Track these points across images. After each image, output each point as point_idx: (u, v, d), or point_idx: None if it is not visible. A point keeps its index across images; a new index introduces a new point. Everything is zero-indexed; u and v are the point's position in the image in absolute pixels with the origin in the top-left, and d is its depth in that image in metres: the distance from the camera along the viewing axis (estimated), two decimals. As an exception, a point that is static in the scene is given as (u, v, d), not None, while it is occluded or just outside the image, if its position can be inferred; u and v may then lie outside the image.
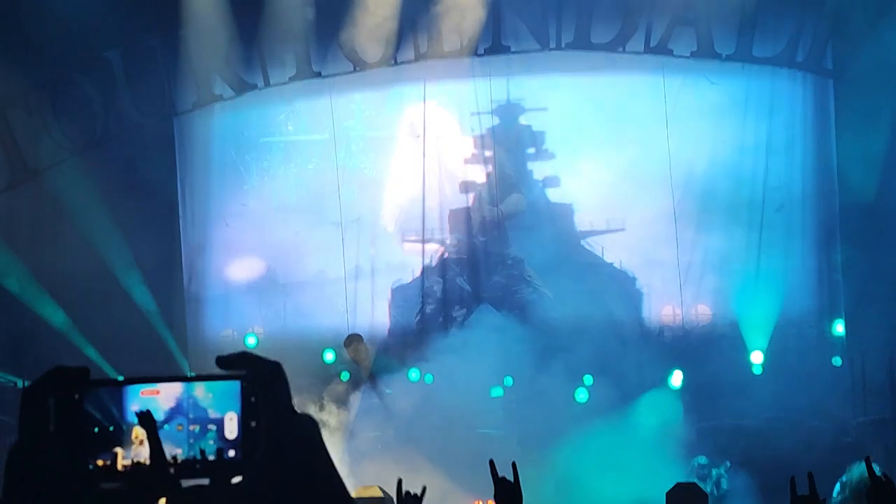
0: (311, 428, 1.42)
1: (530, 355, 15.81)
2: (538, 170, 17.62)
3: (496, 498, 4.71)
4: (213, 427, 1.43)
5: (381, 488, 11.59)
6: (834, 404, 16.06)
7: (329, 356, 16.31)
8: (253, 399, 1.43)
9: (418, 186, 17.53)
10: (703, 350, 16.48)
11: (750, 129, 17.16)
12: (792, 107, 17.24)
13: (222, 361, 1.42)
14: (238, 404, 1.43)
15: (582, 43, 16.91)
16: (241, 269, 17.56)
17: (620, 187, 17.25)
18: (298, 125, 18.02)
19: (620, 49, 16.88)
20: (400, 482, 5.19)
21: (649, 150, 17.14)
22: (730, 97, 17.22)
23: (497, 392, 16.39)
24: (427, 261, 17.71)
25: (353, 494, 11.74)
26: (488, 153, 17.59)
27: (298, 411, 1.43)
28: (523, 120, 17.61)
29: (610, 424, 14.95)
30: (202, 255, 17.68)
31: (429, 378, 16.59)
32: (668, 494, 11.37)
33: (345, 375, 15.74)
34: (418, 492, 5.20)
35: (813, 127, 17.15)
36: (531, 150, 17.62)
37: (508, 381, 16.36)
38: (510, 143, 17.56)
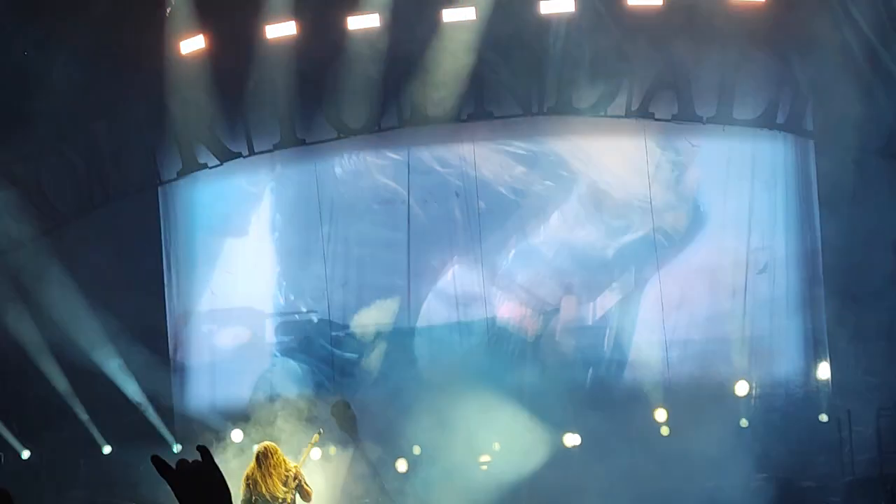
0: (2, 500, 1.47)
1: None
2: (524, 231, 17.64)
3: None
4: None
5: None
6: (821, 463, 16.10)
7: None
8: None
9: (403, 251, 17.57)
10: (691, 410, 16.47)
11: (732, 190, 17.28)
12: (773, 167, 17.36)
13: None
14: None
15: (564, 108, 17.01)
16: (227, 338, 17.57)
17: (604, 251, 17.31)
18: (283, 191, 18.07)
19: (602, 113, 16.98)
20: None
21: (633, 212, 17.22)
22: (711, 159, 17.34)
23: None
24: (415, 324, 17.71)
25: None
26: (474, 214, 17.62)
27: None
28: (507, 186, 17.64)
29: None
30: (188, 324, 17.68)
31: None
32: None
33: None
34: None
35: (795, 187, 17.26)
36: (513, 211, 17.66)
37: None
38: (496, 207, 17.60)
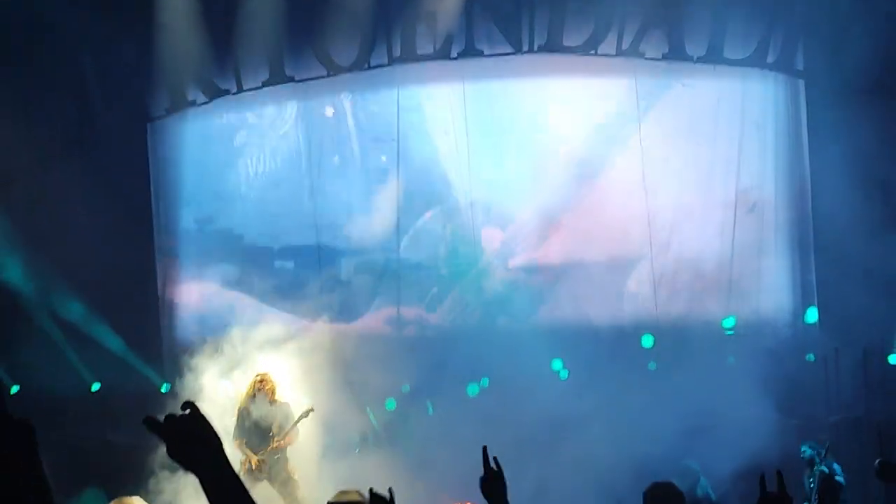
0: (25, 434, 1.44)
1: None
2: (511, 172, 17.61)
3: (482, 484, 4.76)
4: None
5: (359, 493, 11.59)
6: (808, 402, 16.17)
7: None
8: None
9: (392, 191, 17.54)
10: (678, 348, 16.54)
11: (722, 130, 17.26)
12: (764, 108, 17.33)
13: None
14: None
15: (554, 46, 16.96)
16: (215, 275, 17.53)
17: (594, 189, 17.30)
18: (271, 129, 18.01)
19: (592, 52, 16.94)
20: (371, 490, 5.23)
21: (622, 152, 17.21)
22: (702, 99, 17.32)
23: (474, 391, 16.50)
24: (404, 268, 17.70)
25: (332, 499, 11.75)
26: (462, 156, 17.58)
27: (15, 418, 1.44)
28: (497, 123, 17.61)
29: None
30: (176, 262, 17.65)
31: (405, 388, 16.65)
32: (645, 493, 11.43)
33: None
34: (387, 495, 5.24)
35: (785, 127, 17.25)
36: (503, 153, 17.62)
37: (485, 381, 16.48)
38: (484, 145, 17.56)
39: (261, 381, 13.94)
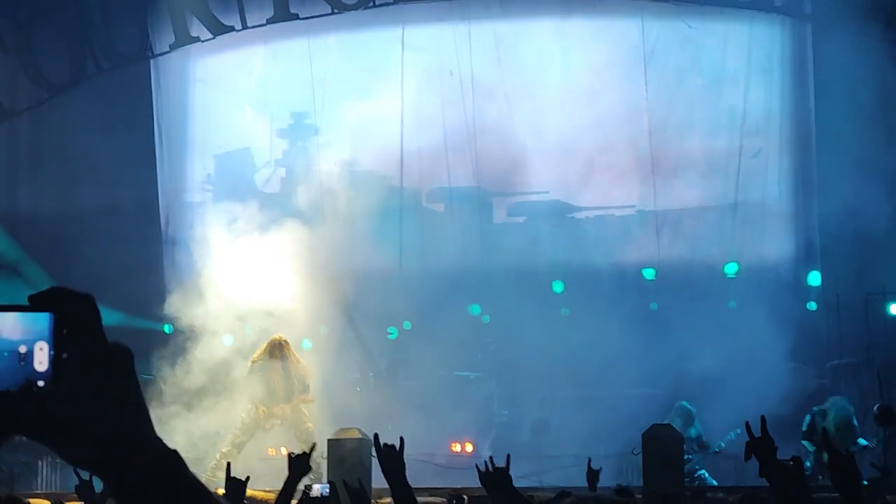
0: (123, 357, 1.45)
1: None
2: (516, 112, 17.54)
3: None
4: (22, 357, 1.43)
5: (359, 430, 11.66)
6: (809, 347, 16.19)
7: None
8: (64, 331, 1.43)
9: (397, 130, 17.50)
10: (681, 291, 16.55)
11: (728, 74, 17.19)
12: (770, 52, 17.24)
13: (34, 297, 1.43)
14: (49, 336, 1.43)
15: (563, -15, 16.85)
16: (218, 212, 17.50)
17: (598, 131, 17.25)
18: (275, 67, 17.95)
19: (600, -9, 16.84)
20: (376, 436, 5.27)
21: (627, 95, 17.14)
22: (708, 42, 17.22)
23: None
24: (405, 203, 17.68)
25: (333, 436, 11.82)
26: (467, 97, 17.51)
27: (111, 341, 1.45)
28: (502, 64, 17.52)
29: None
30: (179, 198, 17.63)
31: (407, 325, 16.72)
32: (644, 435, 11.51)
33: None
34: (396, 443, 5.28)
35: (791, 72, 17.16)
36: (509, 92, 17.55)
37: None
38: (489, 86, 17.48)
39: (280, 344, 13.67)
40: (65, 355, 1.40)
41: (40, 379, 1.40)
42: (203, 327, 14.80)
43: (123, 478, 1.42)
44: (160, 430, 1.44)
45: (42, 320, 1.42)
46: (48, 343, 1.40)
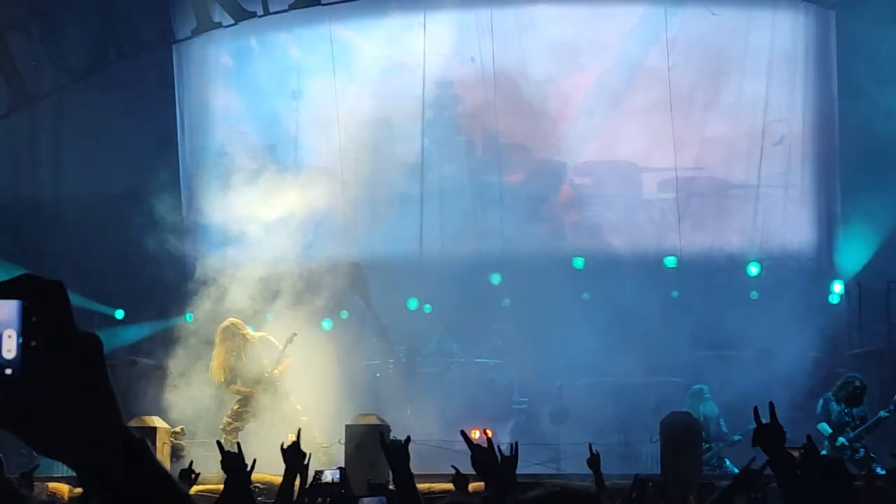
0: (93, 347, 1.44)
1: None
2: (538, 98, 17.51)
3: (472, 461, 4.80)
4: None
5: (378, 416, 11.70)
6: (829, 335, 16.13)
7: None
8: (34, 319, 1.43)
9: (418, 114, 17.50)
10: (702, 278, 16.52)
11: (750, 61, 17.12)
12: (793, 39, 17.16)
13: (2, 285, 1.42)
14: (17, 323, 1.43)
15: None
16: (240, 197, 17.50)
17: (620, 117, 17.21)
18: (297, 53, 17.95)
19: (621, -23, 16.79)
20: (381, 434, 5.31)
21: (649, 81, 17.09)
22: (731, 28, 17.15)
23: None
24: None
25: (351, 421, 11.86)
26: (488, 81, 17.49)
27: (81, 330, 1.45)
28: (523, 49, 17.48)
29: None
30: (200, 182, 17.62)
31: (427, 308, 16.73)
32: (662, 423, 11.50)
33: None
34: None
35: (814, 60, 17.08)
36: (530, 78, 17.52)
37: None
38: (510, 71, 17.45)
39: (231, 329, 13.60)
40: (34, 343, 1.40)
41: (8, 367, 1.40)
42: (225, 314, 14.82)
43: (92, 466, 1.42)
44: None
45: (11, 307, 1.41)
46: (16, 331, 1.40)
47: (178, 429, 13.14)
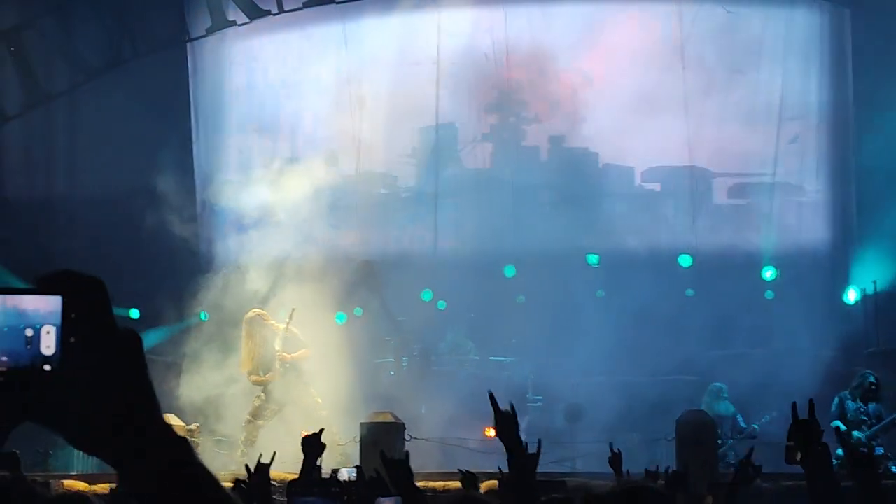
0: (132, 342, 1.45)
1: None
2: (552, 95, 17.50)
3: (496, 428, 4.80)
4: (28, 341, 1.42)
5: (393, 414, 11.69)
6: (844, 334, 16.09)
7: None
8: (73, 315, 1.43)
9: (432, 110, 17.51)
10: (718, 277, 16.47)
11: (766, 58, 17.08)
12: (808, 36, 17.12)
13: (42, 280, 1.42)
14: (57, 319, 1.43)
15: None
16: (253, 198, 17.53)
17: (635, 114, 17.18)
18: (312, 51, 17.96)
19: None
20: (383, 452, 5.35)
21: (663, 79, 17.06)
22: (746, 26, 17.12)
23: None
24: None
25: (367, 419, 11.85)
26: (502, 78, 17.50)
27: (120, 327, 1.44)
28: (537, 45, 17.47)
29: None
30: (214, 182, 17.64)
31: (441, 304, 16.74)
32: (678, 422, 11.48)
33: None
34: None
35: (829, 58, 17.04)
36: (545, 75, 17.51)
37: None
38: (524, 68, 17.45)
39: (257, 320, 13.62)
40: (73, 339, 1.40)
41: (47, 363, 1.40)
42: (238, 312, 14.83)
43: (131, 464, 1.42)
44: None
45: (51, 303, 1.42)
46: (56, 327, 1.40)
47: (193, 426, 13.15)
